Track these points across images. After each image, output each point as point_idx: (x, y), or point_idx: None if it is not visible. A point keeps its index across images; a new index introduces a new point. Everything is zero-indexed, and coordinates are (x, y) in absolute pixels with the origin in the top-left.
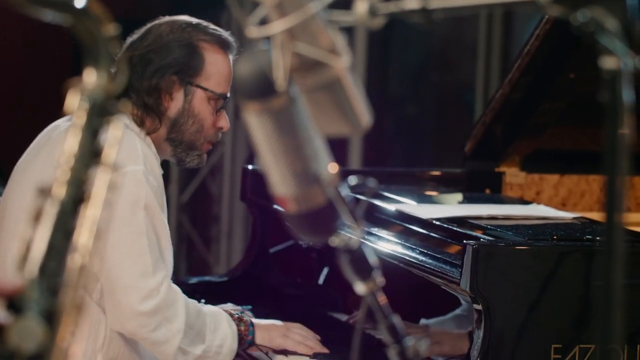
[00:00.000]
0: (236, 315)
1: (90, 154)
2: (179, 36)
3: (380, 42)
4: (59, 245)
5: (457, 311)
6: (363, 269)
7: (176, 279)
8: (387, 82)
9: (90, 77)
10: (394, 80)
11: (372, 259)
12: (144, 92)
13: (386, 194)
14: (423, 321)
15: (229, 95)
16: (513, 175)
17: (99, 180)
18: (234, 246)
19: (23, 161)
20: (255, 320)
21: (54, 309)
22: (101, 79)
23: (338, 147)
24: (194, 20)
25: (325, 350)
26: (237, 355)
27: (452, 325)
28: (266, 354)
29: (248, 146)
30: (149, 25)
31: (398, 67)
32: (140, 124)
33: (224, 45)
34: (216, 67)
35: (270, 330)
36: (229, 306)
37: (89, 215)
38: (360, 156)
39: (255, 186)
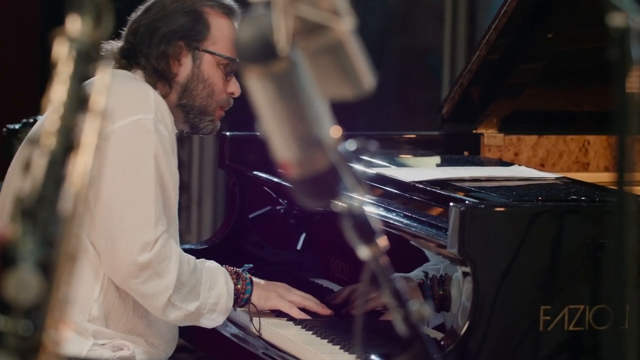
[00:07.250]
0: (234, 273)
1: (79, 101)
2: (183, 4)
3: None
4: (51, 195)
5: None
6: (366, 233)
7: None
8: None
9: (74, 24)
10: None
11: (375, 223)
12: (153, 58)
13: (364, 157)
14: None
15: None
16: (491, 136)
17: (89, 128)
18: (205, 214)
19: None
20: (255, 280)
21: (48, 260)
22: (86, 26)
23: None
24: None
25: (327, 312)
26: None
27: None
28: (251, 319)
29: None
30: None
31: (359, 31)
32: (153, 87)
33: (228, 11)
34: (222, 32)
35: (268, 290)
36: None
37: (81, 163)
38: None
39: (234, 153)
